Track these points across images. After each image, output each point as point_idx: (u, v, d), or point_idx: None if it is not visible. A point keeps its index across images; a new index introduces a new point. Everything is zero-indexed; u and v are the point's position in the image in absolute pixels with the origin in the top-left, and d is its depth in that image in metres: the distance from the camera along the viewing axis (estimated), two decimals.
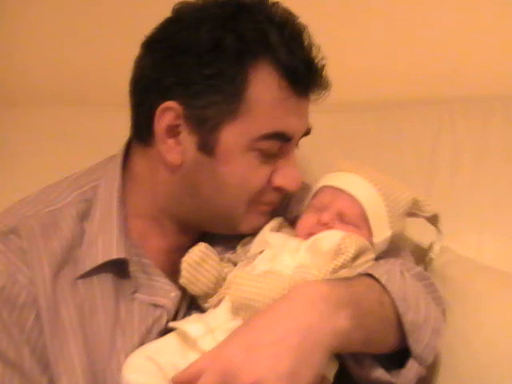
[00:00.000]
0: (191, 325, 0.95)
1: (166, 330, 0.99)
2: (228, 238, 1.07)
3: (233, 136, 0.98)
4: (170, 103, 0.98)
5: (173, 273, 1.02)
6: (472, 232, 1.29)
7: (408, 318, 0.94)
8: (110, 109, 1.35)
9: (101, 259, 0.99)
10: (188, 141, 1.00)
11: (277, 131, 1.00)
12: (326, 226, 1.01)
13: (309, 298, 0.87)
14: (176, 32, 1.00)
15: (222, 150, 0.99)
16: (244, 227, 1.05)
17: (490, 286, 1.13)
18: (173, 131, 1.00)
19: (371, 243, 1.02)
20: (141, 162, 1.06)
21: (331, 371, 0.93)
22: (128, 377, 0.93)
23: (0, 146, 1.48)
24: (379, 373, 0.94)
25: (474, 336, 1.07)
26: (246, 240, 1.07)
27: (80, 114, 1.50)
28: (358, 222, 1.03)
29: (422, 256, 1.18)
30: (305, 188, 1.10)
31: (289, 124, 1.01)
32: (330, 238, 0.99)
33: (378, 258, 1.02)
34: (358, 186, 1.04)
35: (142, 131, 1.03)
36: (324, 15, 1.44)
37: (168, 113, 0.99)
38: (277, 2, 1.03)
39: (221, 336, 0.89)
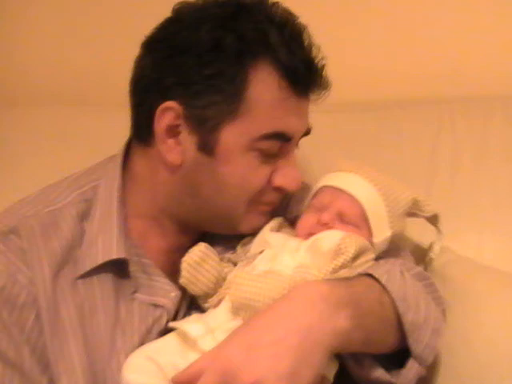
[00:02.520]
0: (191, 325, 0.95)
1: (166, 330, 0.99)
2: (228, 237, 1.07)
3: (233, 136, 0.98)
4: (169, 103, 0.98)
5: (173, 273, 1.02)
6: (472, 232, 1.29)
7: (408, 318, 0.94)
8: (110, 109, 1.35)
9: (101, 259, 0.99)
10: (188, 141, 1.00)
11: (277, 131, 1.00)
12: (326, 226, 1.01)
13: (309, 298, 0.87)
14: (176, 32, 1.00)
15: (222, 149, 0.99)
16: (244, 227, 1.05)
17: (490, 286, 1.13)
18: (173, 131, 1.00)
19: (371, 243, 1.02)
20: (141, 162, 1.06)
21: (331, 371, 0.93)
22: (128, 377, 0.93)
23: (0, 146, 1.48)
24: (379, 373, 0.94)
25: (474, 336, 1.07)
26: (246, 240, 1.07)
27: (80, 114, 1.50)
28: (358, 222, 1.03)
29: (422, 256, 1.18)
30: (305, 188, 1.09)
31: (289, 124, 1.01)
32: (330, 237, 0.99)
33: (378, 258, 1.02)
34: (358, 185, 1.04)
35: (142, 131, 1.03)
36: (324, 15, 1.44)
37: (168, 113, 0.99)
38: (277, 2, 1.03)
39: (221, 336, 0.89)
